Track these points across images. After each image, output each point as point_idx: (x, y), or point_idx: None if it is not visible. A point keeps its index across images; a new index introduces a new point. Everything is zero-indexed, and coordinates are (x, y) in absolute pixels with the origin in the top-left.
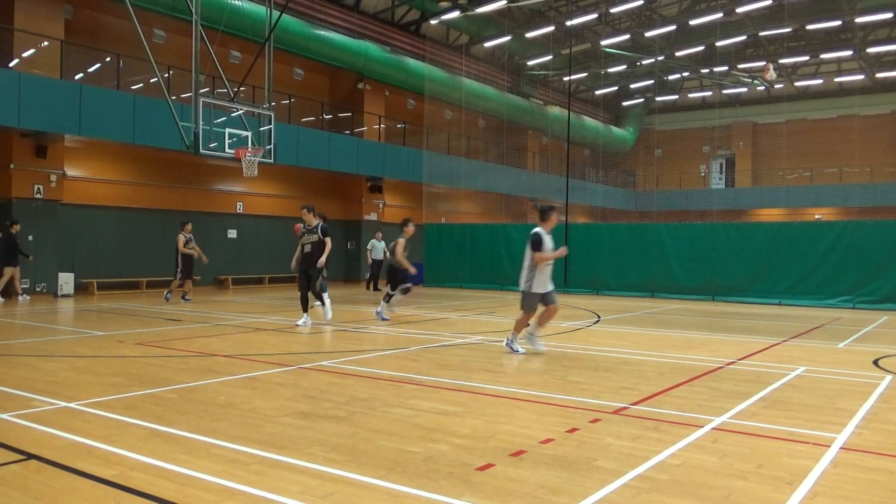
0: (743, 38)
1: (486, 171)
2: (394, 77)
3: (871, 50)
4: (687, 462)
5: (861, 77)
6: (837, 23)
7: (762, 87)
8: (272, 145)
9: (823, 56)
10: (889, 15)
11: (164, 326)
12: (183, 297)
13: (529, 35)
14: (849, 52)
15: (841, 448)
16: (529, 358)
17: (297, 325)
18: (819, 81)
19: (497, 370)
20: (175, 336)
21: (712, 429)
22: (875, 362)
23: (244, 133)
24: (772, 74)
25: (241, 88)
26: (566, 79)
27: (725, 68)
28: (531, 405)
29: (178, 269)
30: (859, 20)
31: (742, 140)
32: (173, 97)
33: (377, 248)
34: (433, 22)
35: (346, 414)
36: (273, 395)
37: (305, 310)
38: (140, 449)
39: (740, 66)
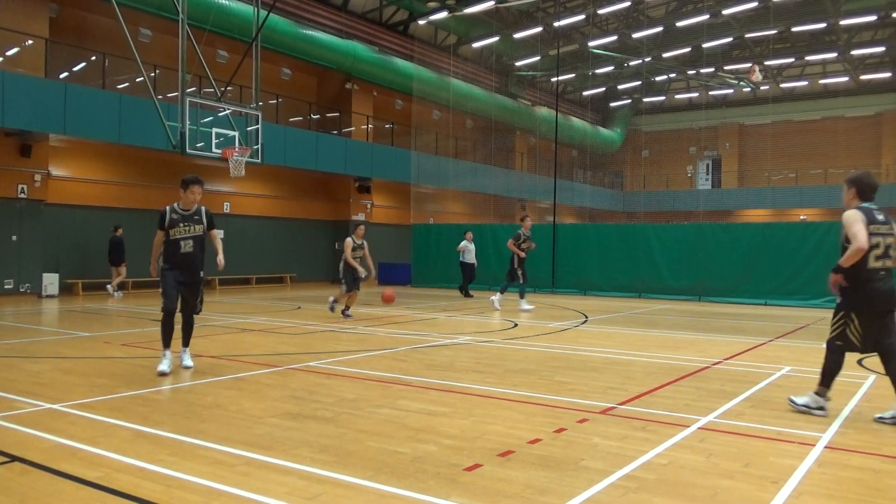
0: (729, 39)
1: (474, 172)
2: (382, 77)
3: (855, 52)
4: (674, 461)
5: (845, 79)
6: (822, 25)
7: (748, 89)
8: (259, 145)
9: (808, 58)
10: (873, 17)
11: (150, 327)
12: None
13: (517, 36)
14: (833, 54)
15: (826, 447)
16: (517, 358)
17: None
18: (804, 83)
19: (485, 370)
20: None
21: (699, 428)
22: (859, 362)
23: (231, 133)
24: (758, 76)
25: (229, 88)
26: (554, 79)
27: (712, 70)
28: (519, 405)
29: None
30: (844, 22)
31: (728, 141)
32: (160, 97)
33: (469, 250)
34: (421, 22)
35: (333, 415)
36: (260, 395)
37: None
38: (125, 450)
39: (727, 68)
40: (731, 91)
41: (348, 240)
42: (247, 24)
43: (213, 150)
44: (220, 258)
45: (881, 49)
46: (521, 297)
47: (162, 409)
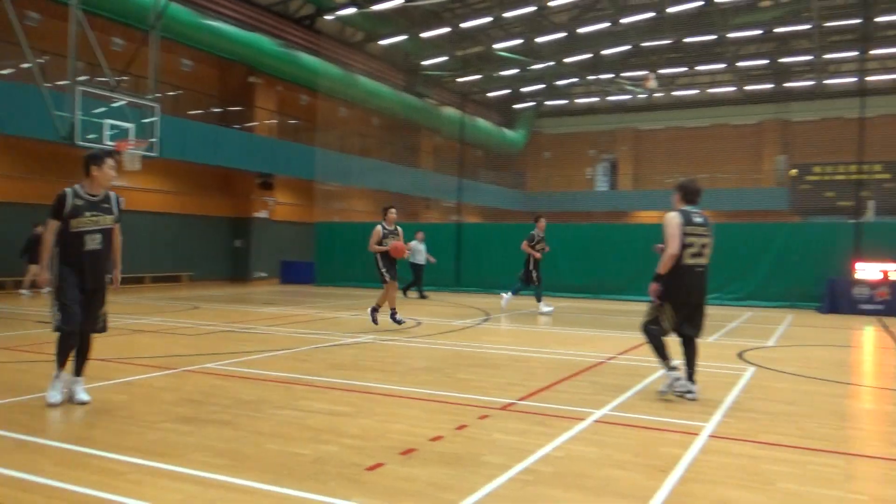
0: (627, 47)
1: (379, 170)
2: (286, 72)
3: (741, 64)
4: (569, 454)
5: (732, 89)
6: (712, 37)
7: (644, 95)
8: (156, 138)
9: (699, 68)
10: (758, 32)
11: (34, 329)
12: None
13: (425, 35)
14: (722, 65)
15: (710, 436)
16: (421, 357)
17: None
18: (695, 92)
19: (389, 369)
20: (46, 339)
21: (594, 421)
22: (740, 355)
23: (126, 124)
24: (652, 83)
25: (124, 78)
26: (460, 80)
27: (611, 76)
28: (422, 403)
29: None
30: (731, 35)
31: (625, 145)
32: (48, 84)
33: (419, 250)
34: (328, 17)
35: (231, 417)
36: (153, 399)
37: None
38: (4, 462)
39: (624, 75)
40: (628, 97)
41: (378, 227)
42: (145, 11)
43: (106, 141)
44: (117, 271)
45: (765, 62)
46: (538, 300)
47: (45, 417)
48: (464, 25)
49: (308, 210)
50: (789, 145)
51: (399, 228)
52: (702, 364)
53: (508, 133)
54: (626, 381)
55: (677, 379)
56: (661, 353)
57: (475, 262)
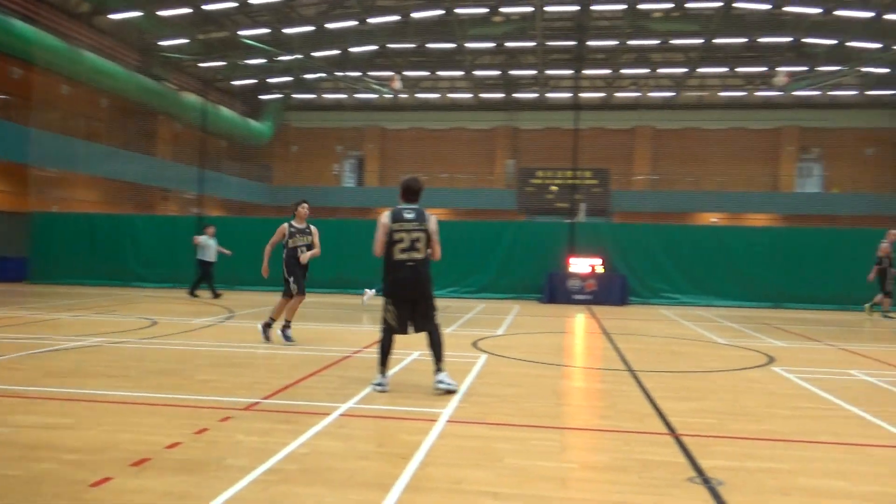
0: (374, 47)
1: (110, 156)
2: None
3: (476, 73)
4: (315, 449)
5: (469, 95)
6: (452, 45)
7: (389, 95)
8: None
9: (440, 73)
10: (492, 44)
11: None
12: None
13: (162, 13)
14: (460, 73)
15: (447, 421)
16: (157, 359)
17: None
18: (436, 95)
19: (119, 374)
20: None
21: (340, 415)
22: (474, 344)
23: None
24: (398, 84)
25: None
26: (202, 65)
27: (358, 74)
28: (157, 409)
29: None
30: (468, 45)
31: (371, 143)
32: None
33: (209, 246)
34: None
35: None
36: None
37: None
38: None
39: (371, 74)
40: (374, 96)
41: (283, 225)
42: None
43: None
44: None
45: (497, 73)
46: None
47: None
48: (206, 7)
49: (20, 198)
50: (518, 151)
51: (312, 227)
52: (448, 354)
53: (254, 124)
54: (371, 374)
55: (380, 384)
56: (381, 357)
57: (220, 258)
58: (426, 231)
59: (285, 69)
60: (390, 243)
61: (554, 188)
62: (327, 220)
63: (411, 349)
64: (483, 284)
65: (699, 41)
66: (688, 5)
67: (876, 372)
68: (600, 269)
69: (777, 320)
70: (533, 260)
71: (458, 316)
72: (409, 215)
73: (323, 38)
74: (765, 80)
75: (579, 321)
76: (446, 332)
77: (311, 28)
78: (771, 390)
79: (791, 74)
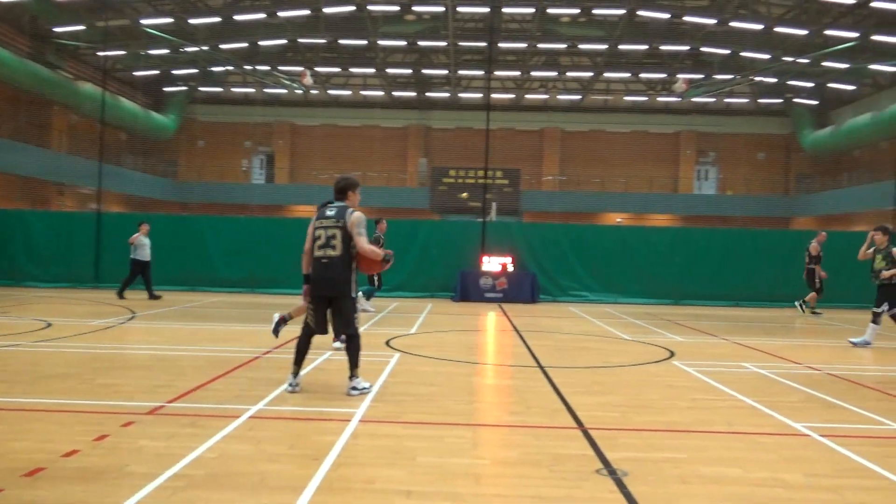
0: (283, 41)
1: None
2: None
3: (389, 70)
4: (224, 454)
5: (381, 93)
6: (363, 42)
7: (300, 91)
8: None
9: (352, 70)
10: (404, 43)
11: None
12: None
13: None
14: (372, 70)
15: (360, 421)
16: (52, 363)
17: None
18: (348, 92)
19: (9, 379)
20: None
21: (249, 417)
22: (387, 342)
23: None
24: (309, 80)
25: None
26: (101, 54)
27: (267, 68)
28: (53, 416)
29: None
30: (381, 43)
31: (281, 139)
32: None
33: (144, 244)
34: None
35: None
36: None
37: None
38: None
39: (281, 68)
40: (284, 91)
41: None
42: None
43: None
44: None
45: (409, 71)
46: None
47: None
48: None
49: None
50: (430, 150)
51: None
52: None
53: (157, 117)
54: (283, 375)
55: (291, 385)
56: (296, 357)
57: (118, 257)
58: (343, 228)
59: (190, 61)
60: (313, 240)
61: (464, 195)
62: (236, 217)
63: (324, 349)
64: (396, 283)
65: (604, 46)
66: (594, 11)
67: (766, 364)
68: (511, 268)
69: (677, 316)
70: (446, 259)
71: (370, 315)
72: (329, 212)
73: (230, 30)
74: (665, 86)
75: (491, 319)
76: (360, 331)
77: (217, 19)
78: (671, 383)
79: (689, 81)
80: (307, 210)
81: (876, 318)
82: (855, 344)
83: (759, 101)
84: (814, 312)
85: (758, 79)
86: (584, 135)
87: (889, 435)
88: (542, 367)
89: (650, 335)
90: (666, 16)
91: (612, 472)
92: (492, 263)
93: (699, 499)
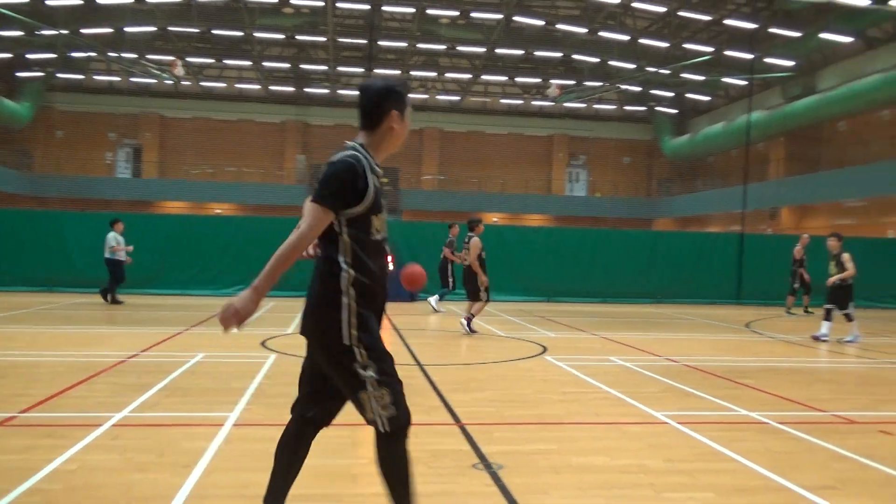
0: (153, 28)
1: None
2: None
3: (266, 64)
4: (84, 465)
5: (258, 87)
6: (239, 34)
7: (170, 82)
8: None
9: (227, 62)
10: (281, 36)
11: None
12: None
13: None
14: (248, 63)
15: (233, 425)
16: None
17: None
18: (223, 85)
19: None
20: None
21: (113, 425)
22: (262, 343)
23: None
24: (180, 70)
25: None
26: None
27: (135, 56)
28: None
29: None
30: (257, 35)
31: (150, 131)
32: None
33: (119, 242)
34: None
35: None
36: None
37: None
38: None
39: (149, 57)
40: (153, 81)
41: (476, 239)
42: None
43: None
44: None
45: (287, 66)
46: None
47: None
48: None
49: None
50: (309, 146)
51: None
52: (228, 355)
53: (10, 104)
54: (150, 379)
55: None
56: None
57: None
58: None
59: (48, 45)
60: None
61: None
62: (99, 213)
63: (196, 351)
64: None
65: (482, 50)
66: (473, 14)
67: (630, 357)
68: (391, 267)
69: (550, 313)
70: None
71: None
72: None
73: (93, 14)
74: (539, 91)
75: None
76: (232, 331)
77: (79, 1)
78: (543, 378)
79: (562, 87)
80: (178, 206)
81: (849, 317)
82: (818, 338)
83: (625, 108)
84: (790, 313)
85: (624, 87)
86: (463, 135)
87: (737, 420)
88: (420, 365)
89: (524, 331)
90: (540, 23)
91: (487, 466)
92: None
93: (569, 488)
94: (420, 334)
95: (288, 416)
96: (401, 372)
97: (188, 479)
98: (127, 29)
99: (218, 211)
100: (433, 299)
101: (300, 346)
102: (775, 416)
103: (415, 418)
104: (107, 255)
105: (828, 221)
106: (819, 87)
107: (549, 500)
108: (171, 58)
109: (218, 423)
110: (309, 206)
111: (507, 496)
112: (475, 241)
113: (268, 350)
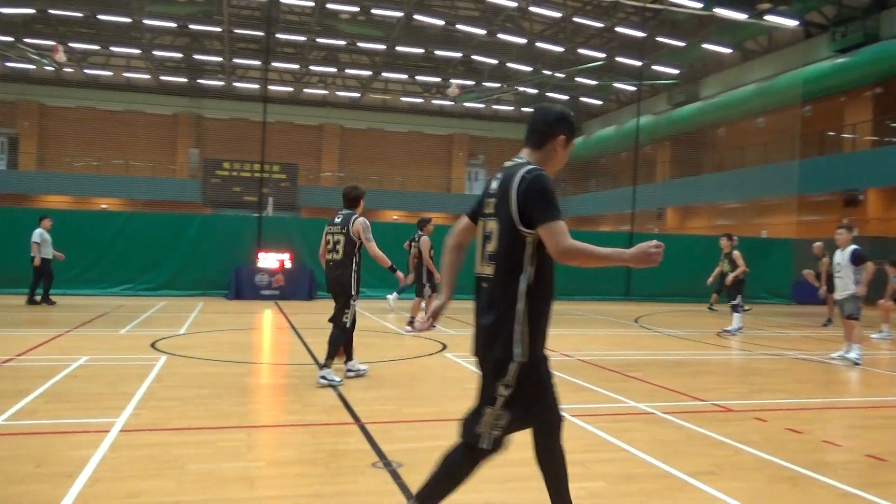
0: (31, 11)
1: None
2: None
3: (156, 53)
4: None
5: (147, 76)
6: (127, 20)
7: (51, 68)
8: None
9: (113, 49)
10: (173, 24)
11: None
12: None
13: None
14: (137, 51)
15: (120, 431)
16: None
17: None
18: (109, 73)
19: None
20: None
21: None
22: (153, 345)
23: None
24: (61, 56)
25: None
26: None
27: (11, 39)
28: None
29: None
30: (147, 22)
31: (28, 120)
32: None
33: (46, 240)
34: None
35: None
36: None
37: None
38: None
39: (28, 41)
40: (32, 67)
41: (426, 238)
42: None
43: None
44: None
45: (179, 55)
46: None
47: None
48: None
49: None
50: (202, 139)
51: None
52: (114, 358)
53: None
54: (27, 385)
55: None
56: (329, 350)
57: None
58: (346, 234)
59: None
60: (325, 244)
61: (236, 189)
62: None
63: (78, 354)
64: (163, 281)
65: (383, 47)
66: (373, 11)
67: None
68: (289, 265)
69: (450, 310)
70: (218, 255)
71: (133, 316)
72: (337, 220)
73: None
74: (439, 90)
75: (267, 317)
76: (119, 332)
77: None
78: (443, 375)
79: (461, 87)
80: (59, 200)
81: (736, 308)
82: (728, 332)
83: (522, 109)
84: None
85: (521, 89)
86: (363, 132)
87: (626, 412)
88: (319, 365)
89: None
90: (441, 22)
91: (387, 465)
92: (268, 260)
93: (467, 483)
94: (319, 333)
95: (180, 420)
96: (298, 372)
97: (70, 490)
98: (1, 10)
99: (104, 206)
100: (392, 297)
101: (193, 346)
102: (661, 407)
103: (313, 419)
104: (43, 255)
105: (708, 222)
106: (701, 94)
107: (447, 496)
108: (51, 43)
109: (104, 429)
110: (553, 226)
111: (406, 494)
112: (425, 240)
113: (158, 352)
